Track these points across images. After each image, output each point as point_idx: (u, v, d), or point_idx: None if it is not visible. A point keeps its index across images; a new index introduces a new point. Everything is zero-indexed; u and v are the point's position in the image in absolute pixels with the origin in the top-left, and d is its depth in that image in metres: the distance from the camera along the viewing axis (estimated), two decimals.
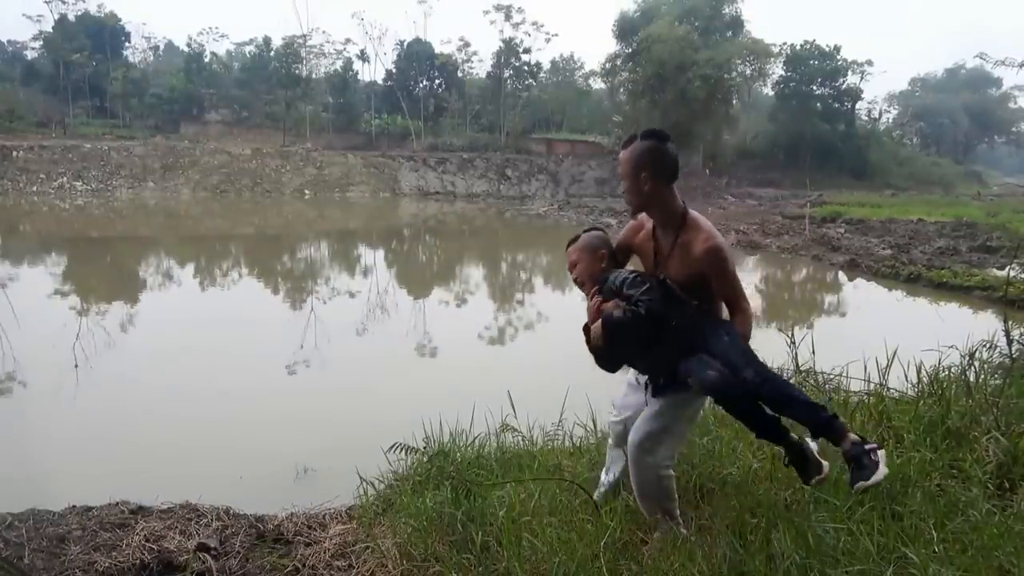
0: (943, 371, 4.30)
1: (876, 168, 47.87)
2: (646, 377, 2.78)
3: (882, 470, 2.34)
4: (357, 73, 50.50)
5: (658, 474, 2.66)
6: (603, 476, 3.16)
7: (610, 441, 3.13)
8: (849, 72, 49.43)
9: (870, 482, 2.33)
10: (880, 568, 2.30)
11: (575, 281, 2.79)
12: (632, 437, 2.70)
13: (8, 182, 30.72)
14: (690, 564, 2.38)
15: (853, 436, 2.42)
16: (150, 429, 5.34)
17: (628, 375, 3.00)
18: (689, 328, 2.52)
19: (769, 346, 4.89)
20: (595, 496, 3.00)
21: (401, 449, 3.34)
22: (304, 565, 2.96)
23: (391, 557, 2.83)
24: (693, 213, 2.60)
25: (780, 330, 4.89)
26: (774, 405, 2.46)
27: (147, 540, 3.07)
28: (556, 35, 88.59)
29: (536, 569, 2.54)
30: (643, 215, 2.71)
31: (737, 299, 2.57)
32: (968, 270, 13.03)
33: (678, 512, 2.75)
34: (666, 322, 2.49)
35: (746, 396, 2.43)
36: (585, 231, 2.83)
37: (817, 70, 48.12)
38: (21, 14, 69.71)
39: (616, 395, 3.08)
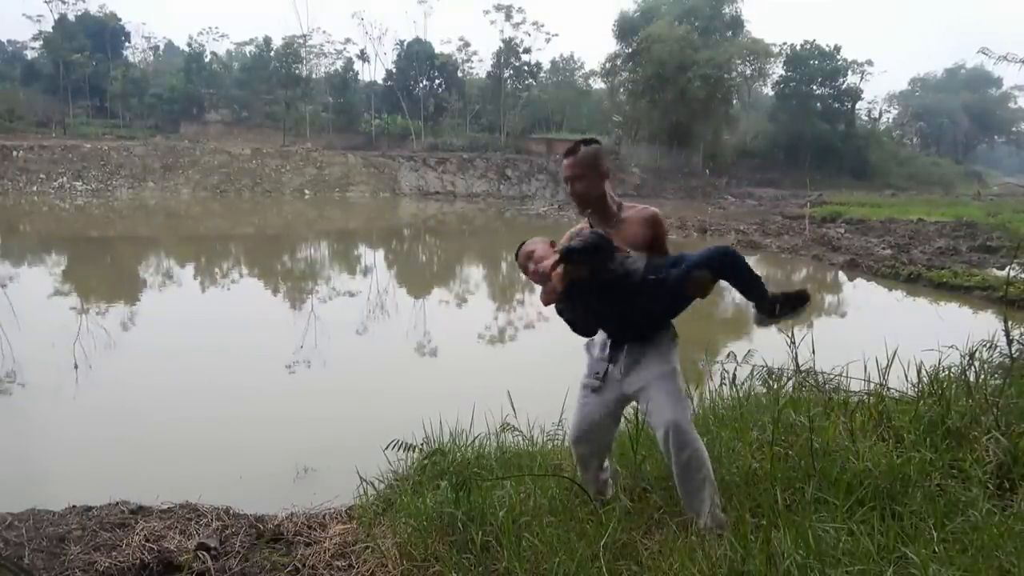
0: (943, 371, 4.30)
1: (876, 168, 47.90)
2: (604, 368, 2.87)
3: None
4: (357, 73, 50.54)
5: (701, 449, 2.72)
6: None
7: (579, 471, 3.07)
8: (849, 72, 49.51)
9: (768, 318, 2.81)
10: (880, 568, 2.30)
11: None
12: (672, 432, 2.66)
13: (8, 182, 30.71)
14: (690, 564, 2.38)
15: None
16: (150, 429, 5.34)
17: (581, 379, 2.96)
18: (648, 270, 2.72)
19: (769, 346, 4.91)
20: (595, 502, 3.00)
21: (400, 447, 3.33)
22: (304, 565, 2.96)
23: (391, 557, 2.83)
24: (625, 203, 2.94)
25: (780, 330, 4.88)
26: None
27: (147, 540, 3.07)
28: (556, 35, 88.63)
29: (536, 569, 2.54)
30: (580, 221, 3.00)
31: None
32: (968, 270, 13.03)
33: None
34: (627, 275, 2.71)
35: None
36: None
37: (817, 70, 48.15)
38: (21, 14, 69.88)
39: None
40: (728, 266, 2.70)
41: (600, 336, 2.95)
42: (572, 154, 2.85)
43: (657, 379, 2.74)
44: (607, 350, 2.89)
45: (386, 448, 3.43)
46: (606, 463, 3.10)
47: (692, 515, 2.71)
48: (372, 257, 18.84)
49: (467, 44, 51.76)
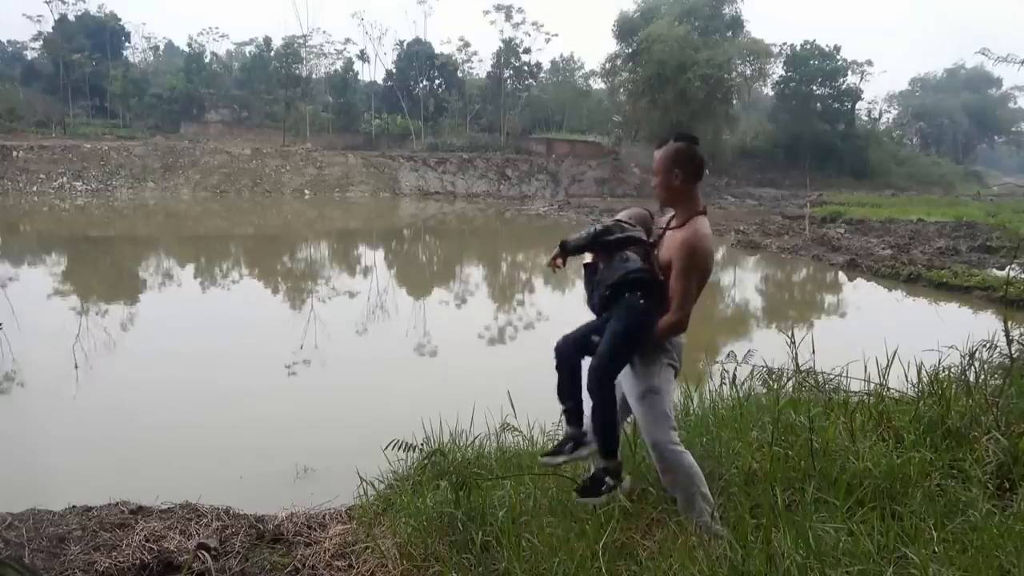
0: (943, 371, 4.30)
1: (876, 168, 47.90)
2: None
3: (601, 500, 2.76)
4: (357, 73, 50.56)
5: (685, 466, 2.72)
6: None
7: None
8: (849, 72, 49.53)
9: (589, 500, 2.77)
10: (880, 568, 2.30)
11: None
12: (654, 453, 2.75)
13: (8, 182, 30.71)
14: (690, 564, 2.38)
15: (609, 471, 2.75)
16: (150, 429, 5.34)
17: None
18: (619, 287, 2.70)
19: (769, 346, 4.91)
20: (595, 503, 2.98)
21: (399, 447, 3.33)
22: (304, 565, 2.96)
23: (391, 557, 2.83)
24: (704, 217, 2.78)
25: (780, 330, 4.88)
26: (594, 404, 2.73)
27: (147, 540, 3.07)
28: (556, 35, 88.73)
29: (536, 569, 2.54)
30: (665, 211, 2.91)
31: (680, 299, 2.69)
32: (968, 270, 13.03)
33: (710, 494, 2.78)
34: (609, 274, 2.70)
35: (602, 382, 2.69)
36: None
37: (817, 70, 48.15)
38: (21, 14, 69.87)
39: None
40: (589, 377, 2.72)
41: None
42: (660, 146, 2.82)
43: (636, 400, 2.77)
44: None
45: (386, 448, 3.43)
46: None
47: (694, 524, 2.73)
48: (372, 257, 18.84)
49: (467, 44, 51.92)
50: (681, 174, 2.75)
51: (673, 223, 2.83)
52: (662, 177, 2.78)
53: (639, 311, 2.69)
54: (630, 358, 2.75)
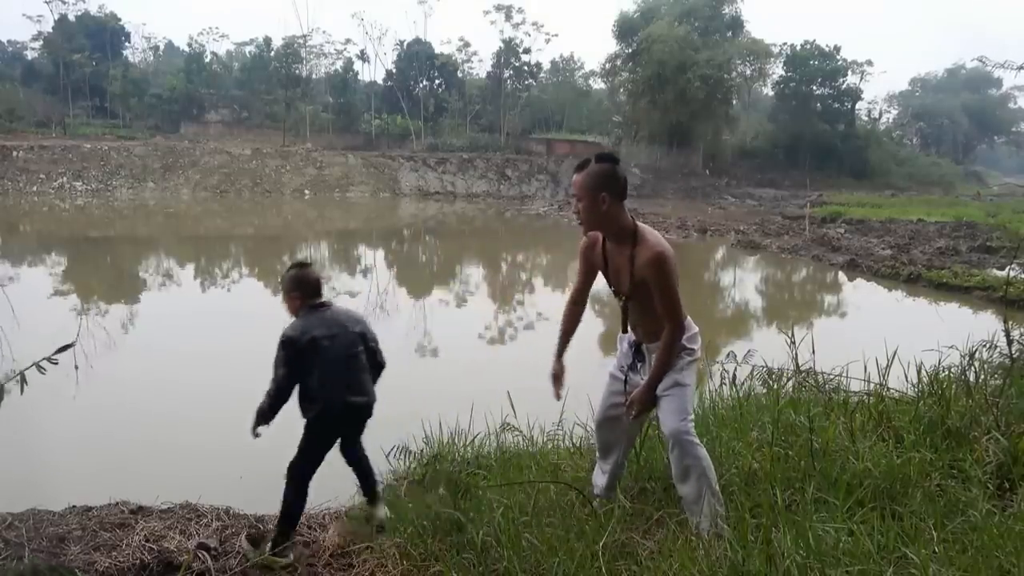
0: (943, 371, 4.30)
1: (876, 168, 47.89)
2: (629, 363, 2.97)
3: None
4: (357, 73, 50.55)
5: (702, 458, 2.75)
6: (596, 479, 3.17)
7: (597, 453, 3.19)
8: (849, 72, 49.50)
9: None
10: (880, 568, 2.30)
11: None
12: (675, 441, 2.75)
13: (8, 182, 30.70)
14: (690, 564, 2.38)
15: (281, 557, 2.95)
16: (150, 429, 5.34)
17: (611, 367, 3.09)
18: None
19: (769, 346, 4.91)
20: (594, 503, 3.01)
21: (401, 452, 3.36)
22: (304, 565, 2.96)
23: (391, 557, 2.83)
24: (642, 226, 2.78)
25: (780, 330, 4.89)
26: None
27: (147, 540, 3.07)
28: (556, 35, 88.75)
29: (535, 569, 2.54)
30: (592, 232, 2.87)
31: (670, 311, 2.72)
32: (968, 270, 13.03)
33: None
34: None
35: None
36: None
37: (817, 70, 48.14)
38: (21, 14, 69.93)
39: None
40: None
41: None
42: (579, 171, 2.77)
43: (662, 391, 2.79)
44: (632, 349, 2.97)
45: (388, 454, 3.44)
46: (623, 460, 3.17)
47: (694, 523, 2.73)
48: (372, 257, 18.84)
49: (467, 44, 51.89)
50: (608, 197, 2.69)
51: (611, 245, 2.82)
52: (587, 202, 2.71)
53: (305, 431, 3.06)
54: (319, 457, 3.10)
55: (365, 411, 3.12)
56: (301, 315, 3.09)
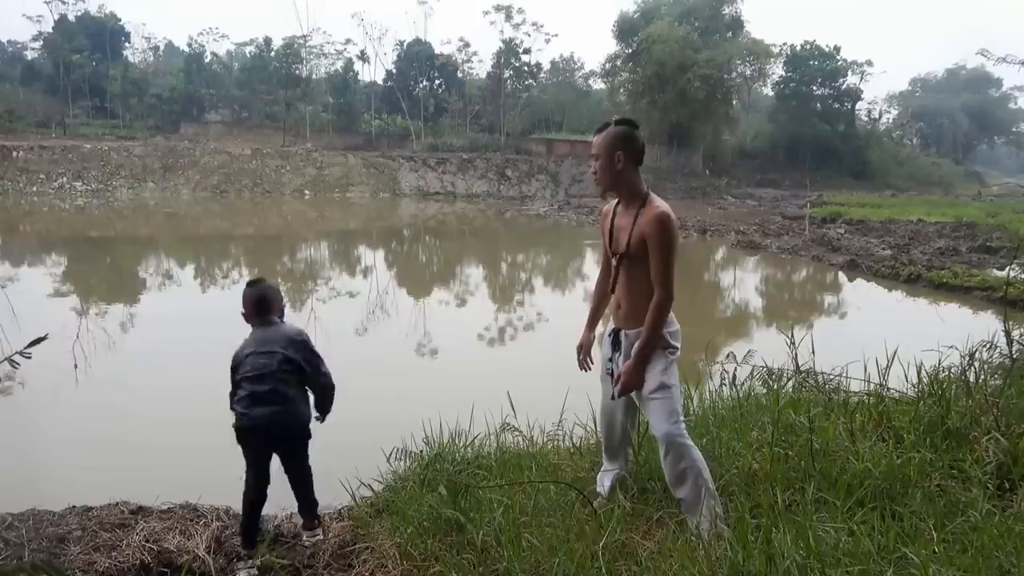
0: (943, 371, 4.30)
1: (876, 168, 47.93)
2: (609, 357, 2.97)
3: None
4: (357, 73, 50.58)
5: (696, 460, 2.76)
6: (601, 480, 3.17)
7: (604, 455, 3.21)
8: (849, 72, 49.58)
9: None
10: (880, 568, 2.30)
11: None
12: (667, 445, 2.76)
13: (8, 182, 30.70)
14: (690, 564, 2.38)
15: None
16: (150, 429, 5.33)
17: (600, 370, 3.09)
18: None
19: (769, 346, 4.90)
20: (595, 504, 3.01)
21: (402, 453, 3.37)
22: (304, 565, 2.96)
23: (391, 557, 2.83)
24: (654, 195, 2.82)
25: (780, 330, 4.88)
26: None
27: (147, 540, 3.08)
28: (556, 35, 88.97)
29: (535, 569, 2.53)
30: (607, 206, 2.95)
31: (661, 277, 2.71)
32: (968, 270, 13.02)
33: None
34: None
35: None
36: None
37: (817, 70, 48.18)
38: (21, 14, 69.96)
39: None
40: None
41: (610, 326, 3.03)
42: (598, 133, 2.85)
43: (647, 395, 2.80)
44: (611, 338, 2.98)
45: (389, 456, 3.44)
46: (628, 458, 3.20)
47: (693, 524, 2.73)
48: (372, 257, 18.84)
49: (467, 44, 51.93)
50: (624, 156, 2.77)
51: (621, 208, 2.87)
52: (603, 160, 2.80)
53: None
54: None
55: (276, 428, 3.13)
56: (252, 331, 3.34)
